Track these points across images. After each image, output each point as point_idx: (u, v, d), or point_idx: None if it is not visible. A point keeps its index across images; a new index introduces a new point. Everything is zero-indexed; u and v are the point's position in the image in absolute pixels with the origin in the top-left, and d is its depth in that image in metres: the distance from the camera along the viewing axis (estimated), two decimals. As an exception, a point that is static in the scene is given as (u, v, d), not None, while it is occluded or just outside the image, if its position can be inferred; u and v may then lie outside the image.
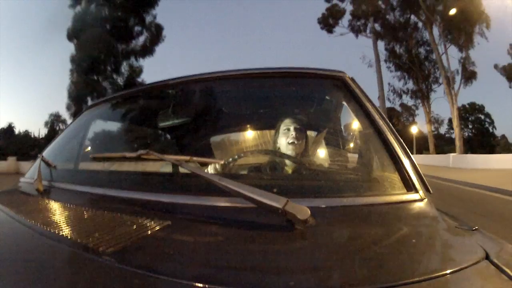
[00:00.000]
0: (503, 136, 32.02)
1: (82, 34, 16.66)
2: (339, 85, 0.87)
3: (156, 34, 18.82)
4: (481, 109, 30.95)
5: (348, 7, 21.12)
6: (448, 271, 0.37)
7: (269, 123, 1.14)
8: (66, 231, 0.50)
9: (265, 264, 0.41)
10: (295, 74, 0.93)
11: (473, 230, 0.55)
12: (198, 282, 0.34)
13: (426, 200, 0.59)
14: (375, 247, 0.45)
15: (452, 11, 14.39)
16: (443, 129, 32.41)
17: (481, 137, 29.98)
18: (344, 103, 0.90)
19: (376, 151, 0.72)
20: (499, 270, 0.39)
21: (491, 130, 31.01)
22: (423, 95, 20.01)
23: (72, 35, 17.58)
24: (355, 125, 0.82)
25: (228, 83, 1.00)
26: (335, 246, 0.46)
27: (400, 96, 22.77)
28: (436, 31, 16.69)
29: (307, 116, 1.28)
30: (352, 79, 0.86)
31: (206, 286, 0.34)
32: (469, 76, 16.12)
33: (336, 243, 0.48)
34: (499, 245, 0.51)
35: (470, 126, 31.19)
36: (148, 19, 18.57)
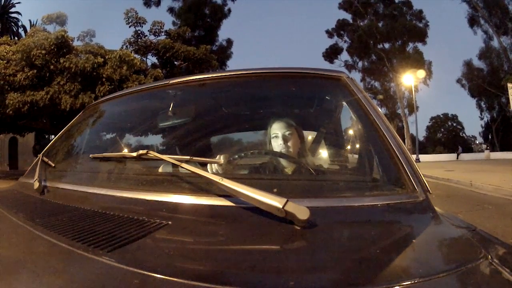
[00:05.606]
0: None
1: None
2: (338, 85, 0.86)
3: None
4: (454, 118, 40.14)
5: (345, 44, 31.85)
6: (448, 271, 0.37)
7: (269, 123, 1.13)
8: (65, 231, 0.50)
9: (265, 264, 0.40)
10: (295, 74, 0.93)
11: (473, 230, 0.55)
12: (198, 282, 0.34)
13: (425, 200, 0.59)
14: (375, 247, 0.45)
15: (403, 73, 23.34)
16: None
17: (452, 140, 37.54)
18: (344, 103, 0.90)
19: (376, 151, 0.72)
20: (498, 270, 0.39)
21: (461, 135, 39.96)
22: (391, 116, 30.73)
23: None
24: (355, 125, 0.82)
25: (228, 83, 1.00)
26: (335, 246, 0.46)
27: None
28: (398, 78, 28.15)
29: (302, 116, 1.28)
30: (352, 79, 0.86)
31: (206, 286, 0.34)
32: (411, 110, 27.32)
33: (336, 243, 0.48)
34: (499, 245, 0.51)
35: (446, 132, 40.24)
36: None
